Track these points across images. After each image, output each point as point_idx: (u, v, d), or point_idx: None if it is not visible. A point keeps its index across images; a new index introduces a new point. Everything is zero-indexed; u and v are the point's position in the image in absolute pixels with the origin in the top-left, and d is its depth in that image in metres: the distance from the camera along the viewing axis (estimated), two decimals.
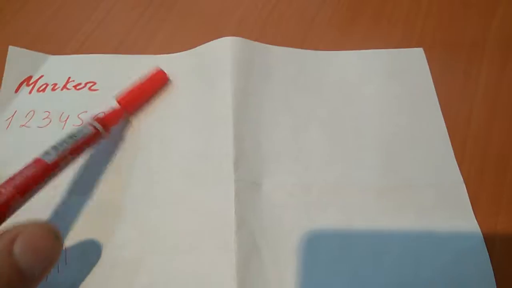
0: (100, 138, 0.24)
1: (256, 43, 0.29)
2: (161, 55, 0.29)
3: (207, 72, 0.28)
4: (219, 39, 0.28)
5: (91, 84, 0.28)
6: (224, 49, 0.28)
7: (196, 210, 0.24)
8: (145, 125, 0.26)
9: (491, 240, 0.24)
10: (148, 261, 0.22)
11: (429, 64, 0.29)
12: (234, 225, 0.23)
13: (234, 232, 0.23)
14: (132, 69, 0.28)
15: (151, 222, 0.23)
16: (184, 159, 0.25)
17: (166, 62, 0.29)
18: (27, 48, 0.29)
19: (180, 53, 0.29)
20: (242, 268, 0.22)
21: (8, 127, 0.26)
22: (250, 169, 0.25)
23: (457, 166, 0.26)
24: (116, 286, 0.22)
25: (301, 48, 0.30)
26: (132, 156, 0.25)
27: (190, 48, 0.29)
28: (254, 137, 0.26)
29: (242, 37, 0.29)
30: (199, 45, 0.29)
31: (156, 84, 0.27)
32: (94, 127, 0.23)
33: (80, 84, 0.28)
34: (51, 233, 0.17)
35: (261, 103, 0.27)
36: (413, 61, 0.29)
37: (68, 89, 0.27)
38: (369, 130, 0.27)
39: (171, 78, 0.28)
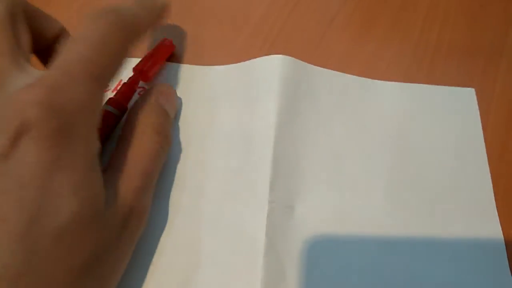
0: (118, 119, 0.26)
1: (305, 63, 0.29)
2: (207, 66, 0.29)
3: (252, 88, 0.28)
4: (268, 56, 0.28)
5: (141, 89, 0.28)
6: (272, 67, 0.28)
7: (226, 227, 0.24)
8: (184, 135, 0.27)
9: None
10: (173, 272, 0.23)
11: None
12: (263, 248, 0.23)
13: (262, 255, 0.23)
14: (178, 77, 0.29)
15: (179, 231, 0.24)
16: (219, 173, 0.26)
17: (211, 73, 0.29)
18: None
19: (227, 65, 0.29)
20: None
21: None
22: (285, 192, 0.25)
23: (498, 220, 0.25)
24: None
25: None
26: (167, 165, 0.26)
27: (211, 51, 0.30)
28: (293, 159, 0.26)
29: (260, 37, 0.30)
30: (215, 45, 0.31)
31: (164, 51, 0.29)
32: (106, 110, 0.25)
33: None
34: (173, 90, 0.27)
35: (303, 126, 0.27)
36: (462, 101, 0.29)
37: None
38: (407, 164, 0.26)
39: (213, 90, 0.28)
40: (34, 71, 0.19)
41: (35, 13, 0.23)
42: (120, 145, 0.22)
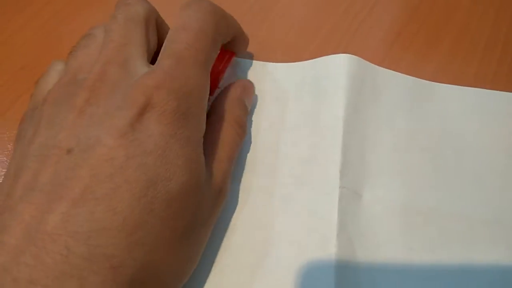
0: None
1: (369, 63, 0.31)
2: (277, 63, 0.32)
3: (320, 83, 0.30)
4: (335, 55, 0.30)
5: None
6: (339, 65, 0.30)
7: (299, 208, 0.26)
8: (256, 126, 0.29)
9: None
10: (246, 249, 0.24)
11: None
12: (336, 228, 0.24)
13: (335, 234, 0.24)
14: (250, 72, 0.31)
15: (252, 211, 0.26)
16: (291, 160, 0.27)
17: (282, 69, 0.31)
18: None
19: (294, 63, 0.32)
20: (340, 270, 0.23)
21: None
22: (354, 179, 0.27)
23: None
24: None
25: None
26: (242, 152, 0.28)
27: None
28: (360, 149, 0.28)
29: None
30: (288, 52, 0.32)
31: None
32: None
33: None
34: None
35: (368, 120, 0.29)
36: None
37: None
38: (466, 163, 0.28)
39: (283, 85, 0.30)
40: (151, 65, 0.22)
41: (162, 24, 0.26)
42: (210, 132, 0.24)
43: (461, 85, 0.31)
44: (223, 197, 0.24)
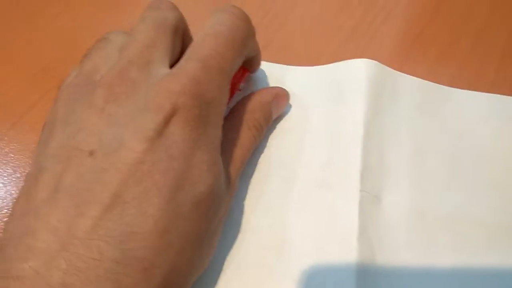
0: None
1: (389, 68, 0.31)
2: (296, 67, 0.32)
3: (340, 87, 0.30)
4: (355, 60, 0.31)
5: None
6: (359, 70, 0.30)
7: (319, 210, 0.26)
8: (276, 128, 0.29)
9: None
10: (273, 257, 0.24)
11: None
12: (356, 231, 0.25)
13: (356, 238, 0.24)
14: (271, 75, 0.31)
15: (279, 220, 0.26)
16: (311, 163, 0.28)
17: (301, 73, 0.31)
18: None
19: (315, 66, 0.32)
20: (361, 274, 0.23)
21: None
22: (374, 183, 0.27)
23: None
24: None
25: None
26: (262, 154, 0.28)
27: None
28: (379, 154, 0.28)
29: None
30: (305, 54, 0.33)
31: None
32: None
33: None
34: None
35: (387, 124, 0.29)
36: None
37: None
38: (484, 169, 0.28)
39: (303, 89, 0.31)
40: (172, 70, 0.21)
41: (188, 35, 0.25)
42: (228, 131, 0.24)
43: (479, 90, 0.31)
44: (233, 194, 0.24)
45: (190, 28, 0.26)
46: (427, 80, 0.31)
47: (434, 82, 0.31)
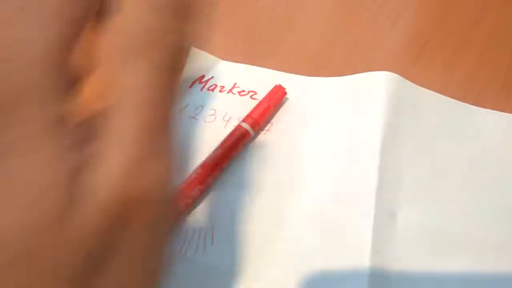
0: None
1: (409, 82, 0.31)
2: (318, 78, 0.32)
3: (358, 100, 0.30)
4: (375, 72, 0.31)
5: (253, 93, 0.31)
6: (378, 82, 0.30)
7: (333, 227, 0.26)
8: (290, 140, 0.29)
9: None
10: (282, 271, 0.24)
11: None
12: (370, 248, 0.24)
13: (369, 256, 0.24)
14: (288, 85, 0.31)
15: (291, 232, 0.26)
16: (325, 176, 0.27)
17: (321, 84, 0.31)
18: None
19: (336, 77, 0.32)
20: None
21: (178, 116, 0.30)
22: (390, 200, 0.26)
23: None
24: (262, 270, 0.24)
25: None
26: (276, 164, 0.28)
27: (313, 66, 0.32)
28: (396, 170, 0.27)
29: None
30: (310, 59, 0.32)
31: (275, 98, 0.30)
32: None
33: (243, 91, 0.31)
34: None
35: (406, 140, 0.29)
36: None
37: (233, 93, 0.31)
38: (504, 191, 0.27)
39: (322, 100, 0.31)
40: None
41: None
42: None
43: (487, 99, 0.31)
44: None
45: None
46: (435, 88, 0.31)
47: (443, 92, 0.31)
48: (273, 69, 0.32)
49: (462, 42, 0.35)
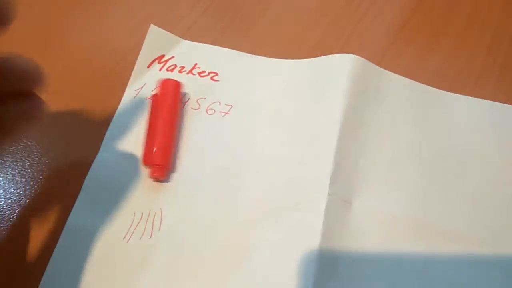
0: None
1: (375, 66, 0.29)
2: (280, 60, 0.31)
3: (321, 83, 0.29)
4: (338, 55, 0.29)
5: (214, 74, 0.30)
6: (342, 65, 0.29)
7: (285, 215, 0.25)
8: (249, 122, 0.28)
9: None
10: (229, 255, 0.24)
11: None
12: (319, 237, 0.24)
13: (318, 244, 0.23)
14: (252, 68, 0.30)
15: (239, 216, 0.25)
16: (282, 162, 0.27)
17: (283, 66, 0.30)
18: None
19: (298, 60, 0.30)
20: (320, 283, 0.23)
21: (136, 95, 0.29)
22: (344, 187, 0.26)
23: None
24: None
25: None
26: (233, 147, 0.27)
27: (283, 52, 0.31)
28: (354, 157, 0.27)
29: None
30: (286, 46, 0.31)
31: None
32: None
33: (204, 72, 0.30)
34: None
35: (367, 125, 0.28)
36: None
37: (193, 74, 0.30)
38: (469, 178, 0.27)
39: (284, 83, 0.29)
40: None
41: None
42: None
43: (464, 87, 0.30)
44: None
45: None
46: (409, 74, 0.30)
47: (416, 76, 0.30)
48: (246, 52, 0.31)
49: (439, 27, 0.33)
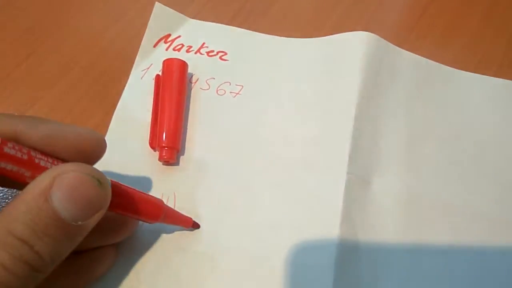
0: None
1: (389, 43, 0.29)
2: (291, 38, 0.30)
3: (336, 62, 0.28)
4: (353, 32, 0.28)
5: (222, 53, 0.29)
6: (357, 43, 0.28)
7: (302, 192, 0.24)
8: (263, 101, 0.27)
9: None
10: (246, 236, 0.23)
11: None
12: (340, 216, 0.23)
13: (339, 223, 0.23)
14: (263, 47, 0.29)
15: (254, 198, 0.24)
16: (298, 142, 0.26)
17: (295, 45, 0.29)
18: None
19: (311, 38, 0.30)
20: (341, 263, 0.22)
21: (142, 77, 0.28)
22: (363, 166, 0.25)
23: None
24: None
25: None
26: (246, 128, 0.26)
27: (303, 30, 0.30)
28: (371, 135, 0.26)
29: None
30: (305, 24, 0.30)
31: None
32: None
33: (212, 51, 0.29)
34: (93, 179, 0.16)
35: (383, 104, 0.27)
36: None
37: (201, 54, 0.29)
38: (488, 158, 0.26)
39: (297, 62, 0.28)
40: None
41: None
42: None
43: (486, 72, 0.29)
44: None
45: None
46: (431, 57, 0.29)
47: (438, 60, 0.29)
48: (264, 32, 0.30)
49: (463, 8, 0.32)
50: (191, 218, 0.22)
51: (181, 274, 0.22)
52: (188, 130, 0.26)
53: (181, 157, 0.26)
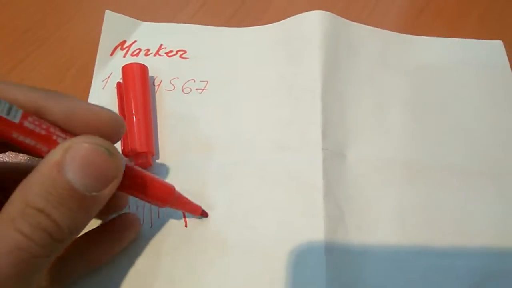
0: None
1: (343, 19, 0.29)
2: (247, 28, 0.30)
3: (294, 43, 0.28)
4: (307, 13, 0.29)
5: (182, 52, 0.29)
6: (312, 23, 0.28)
7: (282, 173, 0.24)
8: (232, 91, 0.27)
9: None
10: (235, 225, 0.23)
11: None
12: (322, 191, 0.23)
13: (322, 198, 0.23)
14: (220, 40, 0.29)
15: (238, 187, 0.24)
16: (271, 126, 0.26)
17: (252, 34, 0.29)
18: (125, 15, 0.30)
19: (267, 25, 0.30)
20: (330, 234, 0.22)
21: (104, 87, 0.27)
22: (336, 140, 0.25)
23: None
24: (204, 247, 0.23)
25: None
26: (217, 122, 0.26)
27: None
28: (340, 109, 0.26)
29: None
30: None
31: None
32: None
33: (171, 51, 0.29)
34: (104, 149, 0.16)
35: (346, 78, 0.28)
36: (492, 53, 0.30)
37: (160, 55, 0.28)
38: (450, 114, 0.27)
39: (257, 50, 0.29)
40: None
41: None
42: None
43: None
44: None
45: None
46: None
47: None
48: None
49: (463, 6, 0.33)
50: (200, 206, 0.23)
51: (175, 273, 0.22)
52: (159, 133, 0.26)
53: (156, 160, 0.25)
